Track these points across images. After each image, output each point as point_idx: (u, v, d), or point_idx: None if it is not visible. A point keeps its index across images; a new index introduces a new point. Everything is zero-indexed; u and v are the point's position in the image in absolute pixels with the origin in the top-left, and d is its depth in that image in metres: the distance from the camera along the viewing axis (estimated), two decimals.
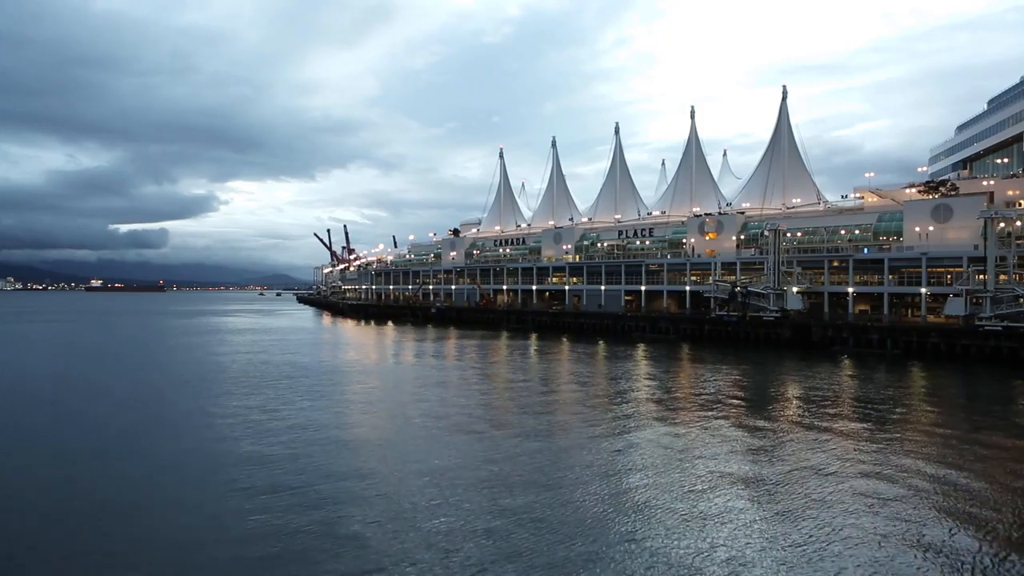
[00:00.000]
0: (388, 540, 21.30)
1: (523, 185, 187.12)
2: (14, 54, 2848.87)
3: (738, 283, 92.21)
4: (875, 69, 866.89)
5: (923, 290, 78.15)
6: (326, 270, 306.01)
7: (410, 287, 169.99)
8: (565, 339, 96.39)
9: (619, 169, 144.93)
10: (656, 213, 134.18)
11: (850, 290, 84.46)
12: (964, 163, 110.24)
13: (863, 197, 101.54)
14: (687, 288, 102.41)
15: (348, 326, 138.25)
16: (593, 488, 26.47)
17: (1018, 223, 72.10)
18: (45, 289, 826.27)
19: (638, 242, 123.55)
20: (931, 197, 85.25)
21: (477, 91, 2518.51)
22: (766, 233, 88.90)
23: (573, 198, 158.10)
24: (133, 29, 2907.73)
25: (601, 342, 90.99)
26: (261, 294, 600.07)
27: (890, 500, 24.79)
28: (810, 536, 21.45)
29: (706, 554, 20.13)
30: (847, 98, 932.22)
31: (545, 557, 19.94)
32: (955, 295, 71.71)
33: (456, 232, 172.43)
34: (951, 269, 77.51)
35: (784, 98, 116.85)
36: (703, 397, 47.52)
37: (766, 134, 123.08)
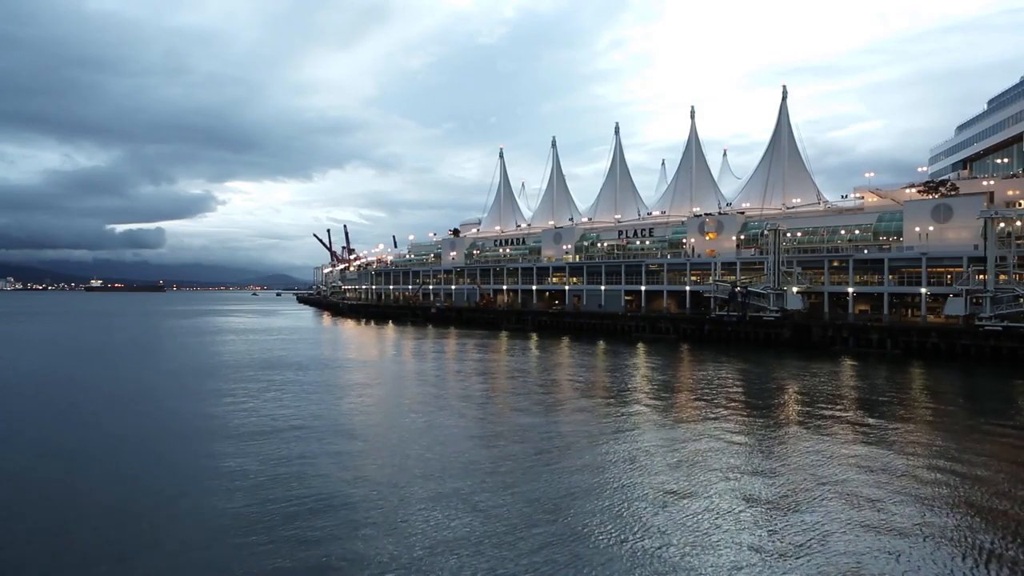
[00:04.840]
0: (385, 542, 21.35)
1: (523, 185, 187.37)
2: (9, 54, 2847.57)
3: (738, 283, 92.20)
4: (870, 70, 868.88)
5: (923, 290, 78.15)
6: (326, 270, 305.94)
7: (410, 287, 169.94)
8: (565, 339, 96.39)
9: (619, 169, 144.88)
10: (656, 213, 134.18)
11: (850, 290, 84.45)
12: (964, 163, 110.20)
13: (863, 197, 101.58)
14: (687, 288, 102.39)
15: (348, 326, 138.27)
16: (591, 485, 26.47)
17: (1018, 223, 72.06)
18: (45, 289, 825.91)
19: (638, 242, 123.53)
20: (931, 197, 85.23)
21: (474, 92, 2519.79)
22: (766, 233, 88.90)
23: (573, 198, 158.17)
24: (127, 30, 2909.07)
25: (601, 342, 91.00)
26: (255, 294, 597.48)
27: (890, 500, 24.80)
28: (810, 535, 21.46)
29: (706, 552, 20.15)
30: (842, 99, 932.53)
31: (543, 556, 19.97)
32: (955, 295, 71.69)
33: (456, 232, 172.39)
34: (951, 269, 77.51)
35: (784, 98, 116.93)
36: (703, 397, 47.52)
37: (762, 135, 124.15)
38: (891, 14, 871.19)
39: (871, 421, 38.98)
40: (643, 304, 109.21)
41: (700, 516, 23.22)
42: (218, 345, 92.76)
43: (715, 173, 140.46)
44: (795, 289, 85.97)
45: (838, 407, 43.43)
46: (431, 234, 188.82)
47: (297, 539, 21.33)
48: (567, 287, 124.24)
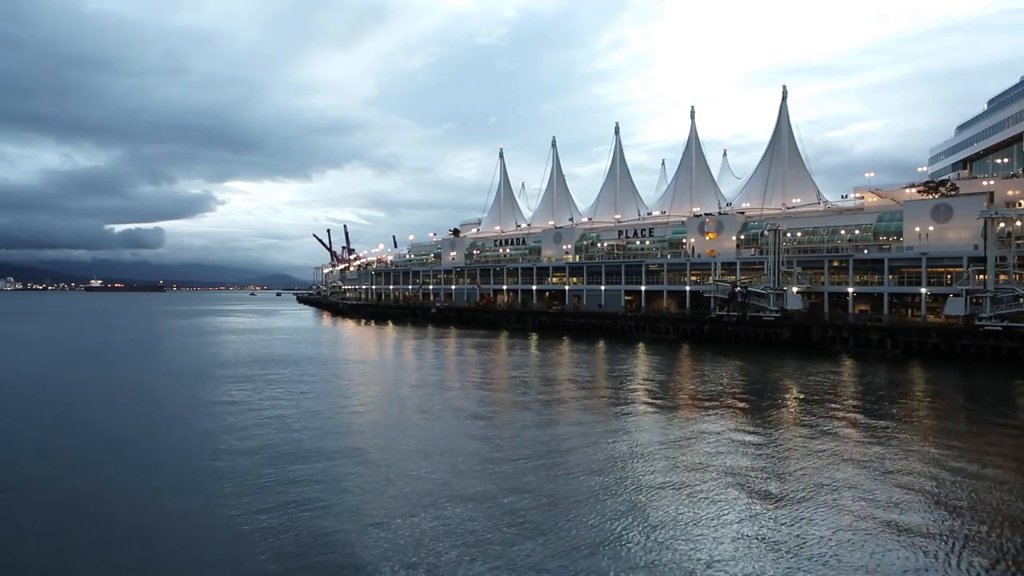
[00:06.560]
0: (382, 547, 21.36)
1: (523, 185, 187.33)
2: (9, 54, 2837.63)
3: (738, 283, 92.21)
4: (870, 70, 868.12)
5: (923, 290, 78.15)
6: (326, 270, 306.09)
7: (410, 287, 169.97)
8: (565, 339, 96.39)
9: (619, 169, 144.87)
10: (656, 213, 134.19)
11: (850, 290, 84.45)
12: (964, 163, 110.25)
13: (863, 197, 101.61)
14: (687, 288, 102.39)
15: (348, 326, 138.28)
16: (590, 484, 26.46)
17: (1018, 223, 72.06)
18: (45, 289, 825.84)
19: (638, 242, 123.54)
20: (931, 197, 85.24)
21: (474, 92, 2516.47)
22: (766, 233, 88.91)
23: (573, 198, 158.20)
24: (127, 30, 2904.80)
25: (601, 342, 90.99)
26: (253, 294, 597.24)
27: (890, 500, 24.79)
28: (810, 535, 21.46)
29: (705, 552, 20.15)
30: (841, 99, 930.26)
31: (539, 557, 19.97)
32: (955, 295, 71.69)
33: (456, 232, 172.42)
34: (951, 269, 77.51)
35: (784, 98, 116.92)
36: (704, 397, 47.51)
37: (762, 135, 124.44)
38: (891, 14, 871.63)
39: (871, 421, 38.97)
40: (643, 304, 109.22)
41: (700, 515, 23.21)
42: (218, 345, 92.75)
43: (715, 173, 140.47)
44: (795, 289, 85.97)
45: (838, 407, 43.41)
46: (431, 234, 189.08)
47: (293, 543, 21.31)
48: (567, 287, 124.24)
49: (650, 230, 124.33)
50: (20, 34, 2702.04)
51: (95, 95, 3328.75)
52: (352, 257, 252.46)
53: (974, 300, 69.71)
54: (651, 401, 46.38)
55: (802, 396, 48.13)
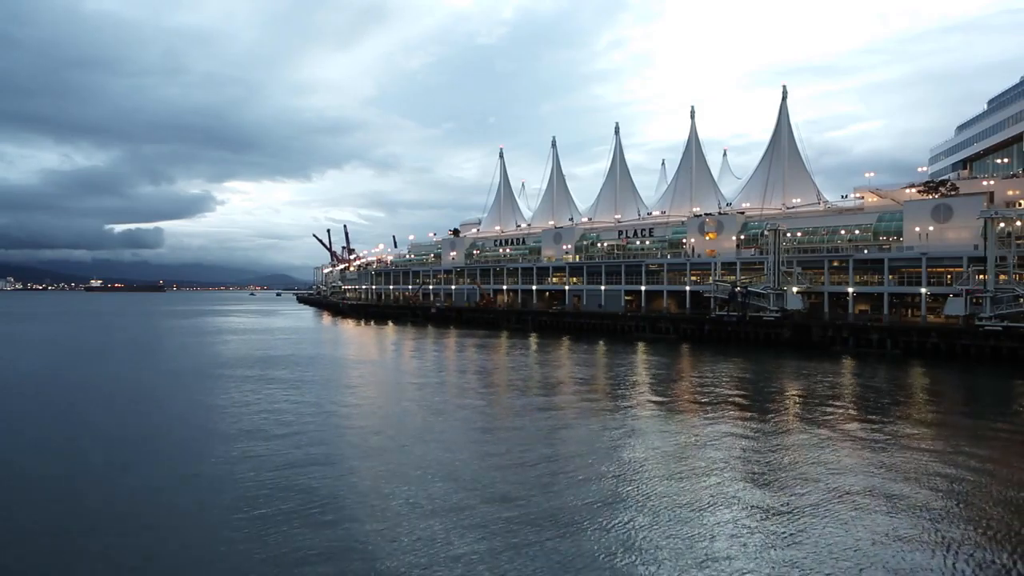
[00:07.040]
0: (381, 543, 21.35)
1: (523, 185, 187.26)
2: (7, 54, 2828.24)
3: (738, 283, 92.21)
4: (869, 70, 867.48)
5: (923, 290, 78.16)
6: (326, 270, 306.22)
7: (410, 287, 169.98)
8: (565, 339, 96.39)
9: (619, 169, 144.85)
10: (656, 213, 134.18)
11: (850, 290, 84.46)
12: (964, 163, 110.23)
13: (863, 197, 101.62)
14: (687, 288, 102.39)
15: (348, 326, 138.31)
16: (589, 485, 26.46)
17: (1018, 223, 72.02)
18: (45, 289, 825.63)
19: (638, 242, 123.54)
20: (931, 197, 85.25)
21: (473, 92, 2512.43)
22: (766, 233, 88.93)
23: (573, 198, 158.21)
24: (125, 30, 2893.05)
25: (601, 342, 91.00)
26: (252, 294, 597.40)
27: (890, 500, 24.78)
28: (809, 535, 21.46)
29: (706, 553, 20.15)
30: (841, 99, 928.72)
31: (537, 556, 19.96)
32: (955, 295, 71.66)
33: (456, 232, 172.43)
34: (951, 269, 77.52)
35: (784, 98, 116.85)
36: (704, 398, 47.52)
37: (762, 135, 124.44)
38: (891, 14, 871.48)
39: (871, 421, 38.95)
40: (643, 304, 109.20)
41: (699, 515, 23.24)
42: (218, 345, 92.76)
43: (715, 173, 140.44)
44: (795, 289, 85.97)
45: (838, 407, 43.41)
46: (431, 234, 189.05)
47: (293, 544, 21.32)
48: (567, 287, 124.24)
49: (650, 230, 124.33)
50: (19, 34, 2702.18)
51: (94, 95, 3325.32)
52: (352, 257, 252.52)
53: (974, 300, 69.67)
54: (651, 401, 46.38)
55: (802, 396, 48.12)
